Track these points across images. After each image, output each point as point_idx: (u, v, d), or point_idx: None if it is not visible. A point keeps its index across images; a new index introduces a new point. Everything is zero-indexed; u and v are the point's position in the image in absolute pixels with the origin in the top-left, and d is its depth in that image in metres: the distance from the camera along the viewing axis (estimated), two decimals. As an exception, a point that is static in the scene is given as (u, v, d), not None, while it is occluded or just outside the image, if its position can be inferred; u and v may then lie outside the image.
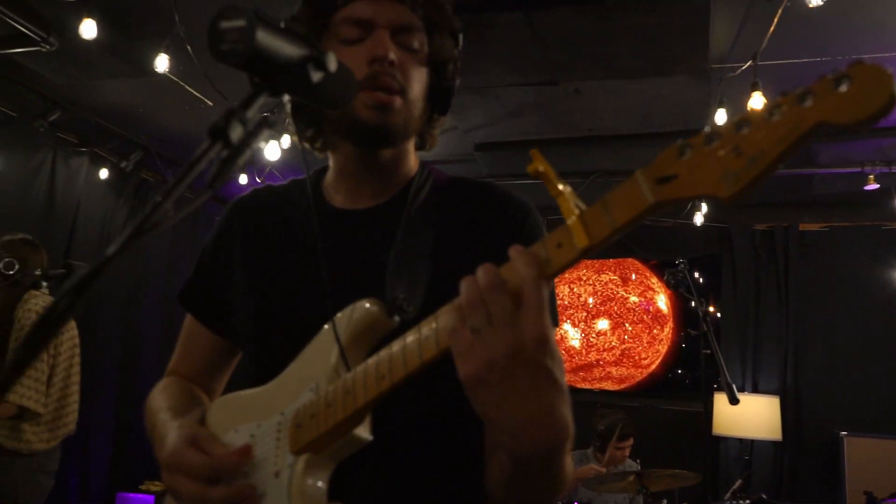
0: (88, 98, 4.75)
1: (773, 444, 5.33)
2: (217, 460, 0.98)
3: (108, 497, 5.41)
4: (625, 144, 4.75)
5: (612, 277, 6.52)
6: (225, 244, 1.27)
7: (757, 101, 3.14)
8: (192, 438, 1.01)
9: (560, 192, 0.76)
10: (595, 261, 6.50)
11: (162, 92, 4.34)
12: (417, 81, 1.14)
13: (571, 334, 6.49)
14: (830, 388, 5.42)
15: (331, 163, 1.24)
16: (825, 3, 2.46)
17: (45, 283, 3.02)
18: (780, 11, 2.99)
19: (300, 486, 0.95)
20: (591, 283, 6.56)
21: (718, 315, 5.88)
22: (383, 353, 0.90)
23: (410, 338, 0.87)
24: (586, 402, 5.74)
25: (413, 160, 1.24)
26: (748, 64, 3.31)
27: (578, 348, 6.44)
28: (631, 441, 4.64)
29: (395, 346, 0.89)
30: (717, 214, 5.62)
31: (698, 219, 5.19)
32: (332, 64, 0.90)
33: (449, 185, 1.21)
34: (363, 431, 0.96)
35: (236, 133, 0.79)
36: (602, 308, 6.43)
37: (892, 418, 5.09)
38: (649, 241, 5.99)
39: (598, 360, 6.40)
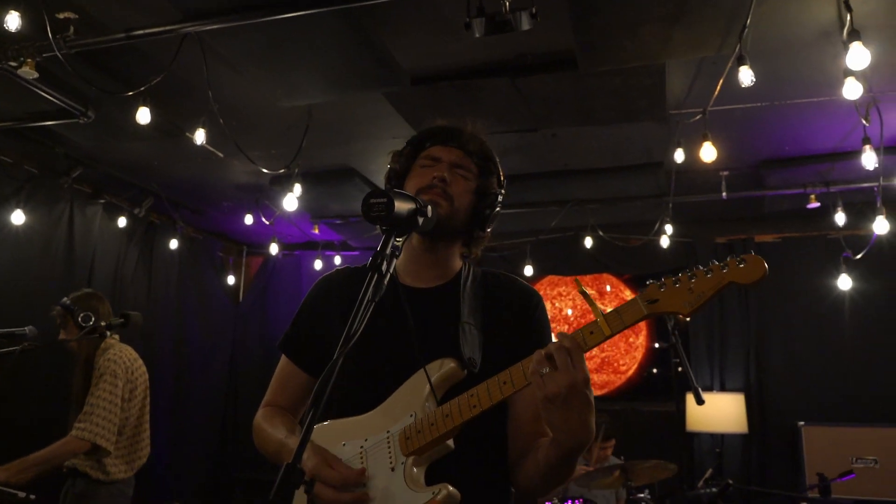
0: (108, 155, 5.12)
1: (742, 436, 5.86)
2: (347, 475, 1.47)
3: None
4: (597, 176, 5.27)
5: (590, 292, 7.06)
6: (322, 308, 1.76)
7: (707, 150, 3.70)
8: (327, 459, 1.50)
9: (594, 304, 1.31)
10: (572, 277, 7.02)
11: (177, 147, 4.77)
12: (463, 195, 1.66)
13: (555, 346, 6.97)
14: (789, 383, 5.95)
15: (404, 251, 1.74)
16: (756, 79, 3.00)
17: (108, 333, 3.38)
18: (725, 72, 3.56)
19: (410, 474, 1.47)
20: (570, 297, 7.10)
21: (688, 320, 6.40)
22: (472, 391, 1.42)
23: (492, 382, 1.40)
24: (572, 407, 6.20)
25: (459, 260, 1.77)
26: (699, 116, 3.88)
27: (562, 358, 6.92)
28: (613, 442, 5.16)
29: (481, 388, 1.41)
30: (682, 230, 6.16)
31: (665, 241, 5.69)
32: (430, 212, 1.44)
33: (483, 275, 1.76)
34: (450, 443, 1.48)
35: (384, 267, 1.31)
36: (581, 320, 6.98)
37: (843, 408, 5.65)
38: (622, 257, 6.45)
39: (580, 369, 6.88)
